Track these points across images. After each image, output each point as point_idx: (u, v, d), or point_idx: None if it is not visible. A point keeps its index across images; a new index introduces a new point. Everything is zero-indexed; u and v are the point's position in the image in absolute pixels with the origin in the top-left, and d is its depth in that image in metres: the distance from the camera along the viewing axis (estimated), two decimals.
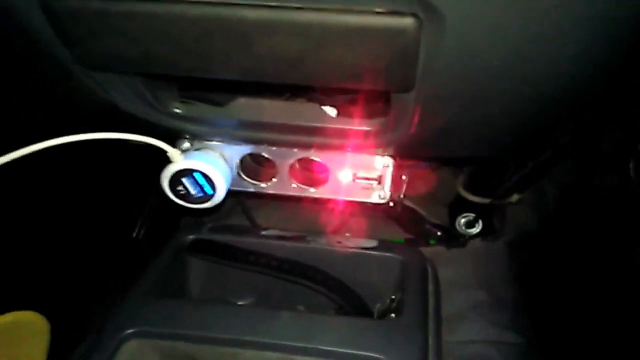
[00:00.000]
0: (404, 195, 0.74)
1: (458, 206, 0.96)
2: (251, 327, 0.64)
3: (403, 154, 0.65)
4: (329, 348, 0.62)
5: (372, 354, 0.61)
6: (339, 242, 0.79)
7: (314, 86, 0.58)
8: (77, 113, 0.64)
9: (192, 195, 0.62)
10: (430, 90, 0.46)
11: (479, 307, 0.92)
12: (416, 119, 0.51)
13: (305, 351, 0.62)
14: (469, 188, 0.94)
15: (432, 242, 0.83)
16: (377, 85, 0.45)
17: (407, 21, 0.38)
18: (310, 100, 0.61)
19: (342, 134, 0.59)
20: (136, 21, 0.41)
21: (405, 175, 0.71)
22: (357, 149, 0.63)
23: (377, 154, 0.64)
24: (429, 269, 0.77)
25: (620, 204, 1.10)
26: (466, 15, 0.37)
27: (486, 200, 0.91)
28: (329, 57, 0.42)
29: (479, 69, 0.42)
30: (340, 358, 0.61)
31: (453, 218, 0.88)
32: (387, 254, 0.77)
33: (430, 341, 0.66)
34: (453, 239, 0.79)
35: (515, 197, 0.94)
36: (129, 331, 0.65)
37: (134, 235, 1.08)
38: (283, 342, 0.63)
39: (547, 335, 0.94)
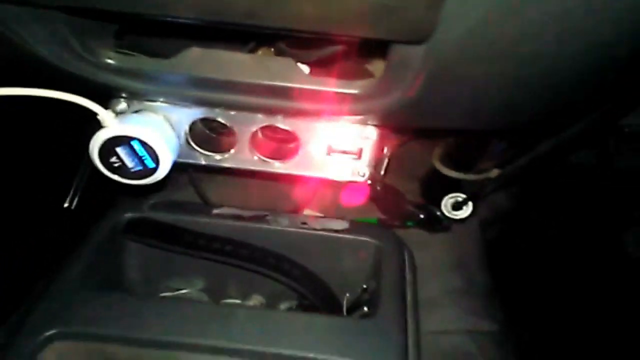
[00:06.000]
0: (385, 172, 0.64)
1: (433, 182, 0.89)
2: (200, 328, 0.55)
3: (388, 124, 0.54)
4: (292, 353, 0.53)
5: (341, 359, 0.52)
6: (305, 223, 0.69)
7: (286, 34, 0.46)
8: None
9: (129, 168, 0.51)
10: (448, 44, 0.35)
11: (453, 293, 0.86)
12: (419, 81, 0.41)
13: (264, 357, 0.53)
14: (447, 162, 0.86)
15: (409, 223, 0.74)
16: (382, 32, 0.34)
17: None
18: (279, 53, 0.49)
19: (319, 97, 0.48)
20: None
21: (388, 149, 0.61)
22: (335, 115, 0.52)
23: (358, 123, 0.54)
24: (406, 255, 0.68)
25: (600, 182, 1.07)
26: None
27: (468, 176, 0.83)
28: None
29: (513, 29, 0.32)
30: None
31: (428, 195, 0.80)
32: (360, 237, 0.68)
33: (411, 340, 0.57)
34: (436, 222, 0.71)
35: (495, 172, 0.87)
36: (52, 332, 0.55)
37: (66, 205, 0.94)
38: (238, 346, 0.53)
39: (521, 321, 0.89)
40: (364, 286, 0.67)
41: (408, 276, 0.66)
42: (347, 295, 0.67)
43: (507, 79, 0.42)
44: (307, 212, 0.84)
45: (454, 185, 0.85)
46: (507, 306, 0.90)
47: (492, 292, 0.90)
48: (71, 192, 0.96)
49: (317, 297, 0.64)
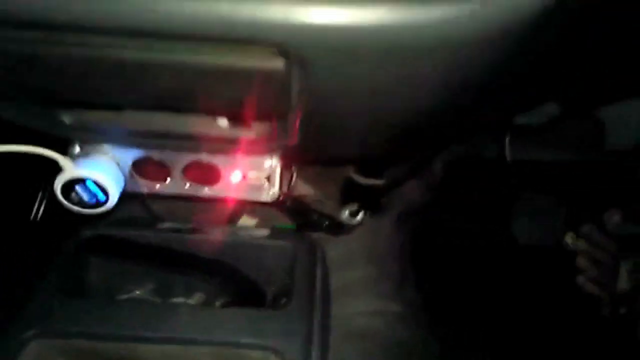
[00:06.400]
0: (295, 184, 0.79)
1: (349, 189, 1.02)
2: (150, 323, 0.68)
3: (290, 157, 0.70)
4: (223, 339, 0.67)
5: (260, 342, 0.67)
6: (234, 233, 0.84)
7: None
8: None
9: (85, 201, 0.64)
10: (305, 113, 0.51)
11: (367, 281, 0.98)
12: (295, 133, 0.56)
13: (202, 343, 0.67)
14: (361, 170, 1.00)
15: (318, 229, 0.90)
16: (257, 113, 0.50)
17: (279, 63, 0.43)
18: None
19: (231, 140, 0.62)
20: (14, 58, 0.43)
21: (295, 169, 0.76)
22: (247, 152, 0.67)
23: (266, 155, 0.69)
24: (318, 254, 0.83)
25: (497, 173, 1.21)
26: (327, 63, 0.41)
27: (378, 182, 0.96)
28: (207, 92, 0.46)
29: (342, 102, 0.47)
30: (232, 347, 0.67)
31: (344, 201, 0.94)
32: (278, 242, 0.82)
33: (316, 325, 0.72)
34: (340, 227, 0.86)
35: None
36: (31, 332, 0.67)
37: (32, 217, 1.01)
38: (180, 336, 0.67)
39: (427, 303, 1.03)
40: (284, 283, 0.81)
41: (318, 271, 0.80)
42: (273, 289, 0.82)
43: (356, 130, 0.57)
44: (241, 221, 0.98)
45: (367, 191, 1.00)
46: (415, 290, 1.03)
47: (402, 278, 1.02)
48: (36, 205, 1.05)
49: (245, 294, 0.79)
